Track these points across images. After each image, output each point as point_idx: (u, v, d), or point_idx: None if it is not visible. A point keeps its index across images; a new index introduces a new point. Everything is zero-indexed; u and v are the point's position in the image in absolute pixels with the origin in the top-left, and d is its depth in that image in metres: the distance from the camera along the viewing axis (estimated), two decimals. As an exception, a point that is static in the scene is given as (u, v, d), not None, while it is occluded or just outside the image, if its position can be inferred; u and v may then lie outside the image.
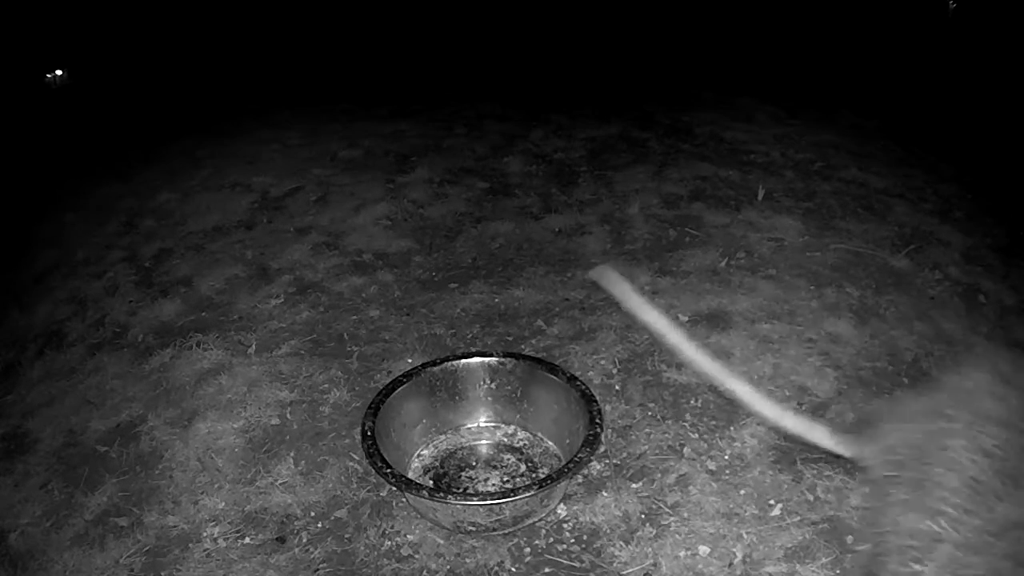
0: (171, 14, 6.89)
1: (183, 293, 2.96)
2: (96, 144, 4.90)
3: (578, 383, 1.99)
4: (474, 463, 2.06)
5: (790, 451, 2.02)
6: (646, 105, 4.85)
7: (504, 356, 2.13)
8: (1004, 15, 6.10)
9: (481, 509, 1.74)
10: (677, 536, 1.79)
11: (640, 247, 3.08)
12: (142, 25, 6.72)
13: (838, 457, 1.34)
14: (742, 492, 1.91)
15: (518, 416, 2.14)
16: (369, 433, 1.86)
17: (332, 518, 1.90)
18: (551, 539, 1.81)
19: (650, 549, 1.77)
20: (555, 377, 2.03)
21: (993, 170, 3.80)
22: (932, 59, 5.82)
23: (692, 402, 2.22)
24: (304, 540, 1.85)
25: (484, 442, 2.13)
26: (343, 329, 2.65)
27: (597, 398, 1.96)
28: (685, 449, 2.05)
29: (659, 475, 1.97)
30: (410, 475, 2.00)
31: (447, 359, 2.12)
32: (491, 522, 1.76)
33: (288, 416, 2.26)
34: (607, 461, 2.02)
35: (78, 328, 2.84)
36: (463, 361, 2.12)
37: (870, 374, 2.30)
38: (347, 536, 1.85)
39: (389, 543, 1.82)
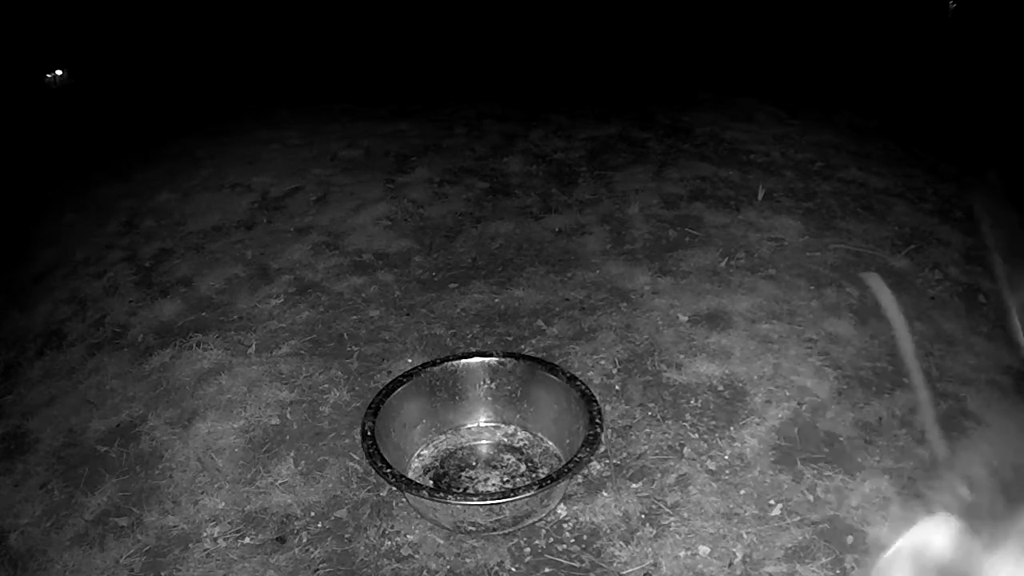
0: (171, 14, 6.89)
1: (183, 293, 2.96)
2: (96, 144, 4.90)
3: (578, 383, 1.99)
4: (474, 463, 2.06)
5: (790, 451, 2.02)
6: (646, 105, 4.86)
7: (504, 356, 2.13)
8: (1004, 15, 6.10)
9: (481, 509, 1.74)
10: (677, 536, 1.79)
11: (640, 247, 3.08)
12: (142, 25, 6.72)
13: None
14: (742, 492, 1.91)
15: (518, 416, 2.14)
16: (369, 433, 1.86)
17: (332, 518, 1.90)
18: (551, 539, 1.81)
19: (650, 549, 1.77)
20: (555, 377, 2.03)
21: (993, 170, 3.80)
22: (932, 59, 5.82)
23: (692, 402, 2.22)
24: (304, 540, 1.85)
25: (484, 442, 2.13)
26: (343, 329, 2.65)
27: (597, 398, 1.96)
28: (685, 449, 2.05)
29: (659, 475, 1.97)
30: (410, 475, 2.00)
31: (447, 359, 2.12)
32: (491, 522, 1.76)
33: (288, 416, 2.26)
34: (607, 461, 2.02)
35: (78, 328, 2.84)
36: (463, 361, 2.12)
37: (870, 374, 2.30)
38: (347, 536, 1.85)
39: (389, 543, 1.82)
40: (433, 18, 7.45)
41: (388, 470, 1.75)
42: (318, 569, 1.76)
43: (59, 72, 6.21)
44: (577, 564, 1.74)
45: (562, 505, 1.89)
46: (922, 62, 5.77)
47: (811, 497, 1.88)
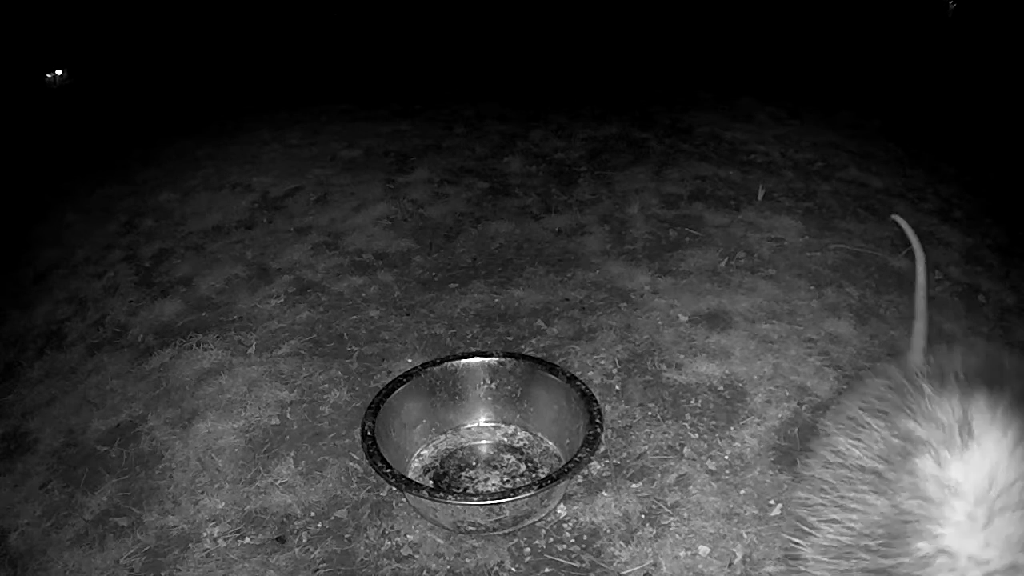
0: (171, 14, 6.89)
1: (183, 293, 2.96)
2: (96, 144, 4.90)
3: (578, 383, 1.99)
4: (474, 463, 2.06)
5: (790, 451, 2.02)
6: (646, 105, 4.85)
7: (504, 356, 2.13)
8: (1004, 15, 6.10)
9: (481, 509, 1.74)
10: (677, 536, 1.79)
11: (640, 247, 3.08)
12: (142, 25, 6.72)
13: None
14: (742, 492, 1.91)
15: (518, 416, 2.14)
16: (369, 433, 1.86)
17: (332, 518, 1.90)
18: (551, 539, 1.81)
19: (650, 549, 1.77)
20: (555, 377, 2.03)
21: (993, 170, 3.80)
22: (932, 59, 5.82)
23: (692, 402, 2.22)
24: (304, 540, 1.85)
25: (484, 442, 2.13)
26: (343, 329, 2.65)
27: (597, 398, 1.96)
28: (685, 449, 2.05)
29: (659, 475, 1.97)
30: (410, 475, 2.00)
31: (447, 359, 2.12)
32: (491, 522, 1.76)
33: (288, 416, 2.26)
34: (607, 461, 2.02)
35: (78, 328, 2.85)
36: (463, 361, 2.12)
37: (870, 374, 2.30)
38: (347, 536, 1.85)
39: (389, 543, 1.82)
40: (433, 18, 7.45)
41: (388, 470, 1.75)
42: (318, 569, 1.76)
43: (59, 72, 6.21)
44: (577, 564, 1.74)
45: (562, 505, 1.89)
46: (922, 62, 5.77)
47: (811, 497, 1.88)
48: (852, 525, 0.97)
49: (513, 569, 1.74)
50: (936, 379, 1.02)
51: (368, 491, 1.97)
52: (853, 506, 0.98)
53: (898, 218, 1.67)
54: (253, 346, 2.57)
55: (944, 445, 0.93)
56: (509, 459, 2.06)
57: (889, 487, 0.95)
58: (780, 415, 2.15)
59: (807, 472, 1.14)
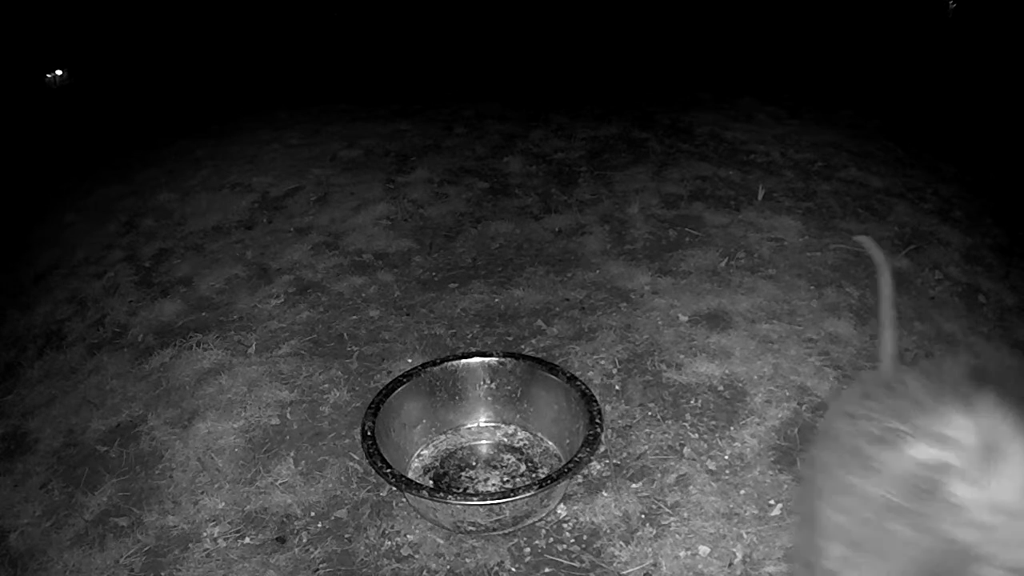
0: (171, 14, 6.89)
1: (183, 293, 2.96)
2: (96, 144, 4.91)
3: (578, 383, 1.99)
4: (474, 463, 2.06)
5: (790, 451, 2.02)
6: (646, 105, 4.86)
7: (504, 356, 2.13)
8: (1004, 15, 6.10)
9: (481, 509, 1.74)
10: (677, 536, 1.79)
11: (640, 247, 3.08)
12: (142, 25, 6.73)
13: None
14: (742, 492, 1.91)
15: (518, 416, 2.14)
16: (369, 433, 1.86)
17: (332, 518, 1.90)
18: (551, 539, 1.81)
19: (650, 549, 1.77)
20: (555, 377, 2.03)
21: (993, 170, 3.80)
22: (932, 59, 5.82)
23: (692, 402, 2.22)
24: (304, 540, 1.85)
25: (484, 442, 2.13)
26: (343, 329, 2.65)
27: (597, 398, 1.96)
28: (685, 449, 2.05)
29: (659, 475, 1.97)
30: (410, 475, 2.00)
31: (447, 359, 2.12)
32: (491, 522, 1.76)
33: (288, 416, 2.26)
34: (607, 461, 2.02)
35: (78, 328, 2.85)
36: (463, 361, 2.12)
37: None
38: (347, 536, 1.85)
39: (389, 543, 1.82)
40: (434, 18, 7.45)
41: (388, 470, 1.75)
42: (318, 569, 1.76)
43: (59, 72, 6.21)
44: (577, 564, 1.74)
45: (562, 505, 1.89)
46: (922, 62, 5.77)
47: (811, 497, 1.88)
48: (901, 571, 0.90)
49: (513, 569, 1.74)
50: (931, 393, 0.97)
51: (368, 491, 1.97)
52: (891, 551, 0.91)
53: (863, 238, 1.66)
54: (253, 346, 2.57)
55: (971, 464, 0.87)
56: (509, 459, 2.06)
57: (926, 520, 0.87)
58: (780, 415, 2.15)
59: (827, 524, 1.03)
